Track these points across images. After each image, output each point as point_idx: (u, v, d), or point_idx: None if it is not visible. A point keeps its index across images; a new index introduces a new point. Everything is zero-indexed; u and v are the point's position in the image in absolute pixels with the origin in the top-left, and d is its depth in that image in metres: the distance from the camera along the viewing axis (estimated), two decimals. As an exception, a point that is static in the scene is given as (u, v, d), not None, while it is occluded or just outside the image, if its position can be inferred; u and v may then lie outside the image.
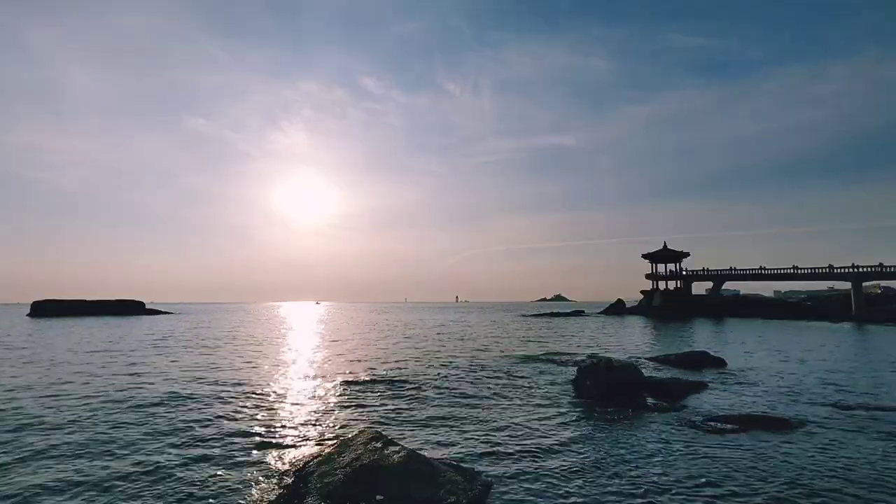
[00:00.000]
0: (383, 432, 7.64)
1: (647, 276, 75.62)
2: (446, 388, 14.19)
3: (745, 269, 70.58)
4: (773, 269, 68.53)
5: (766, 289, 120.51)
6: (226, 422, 10.29)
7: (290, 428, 9.83)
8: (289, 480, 6.24)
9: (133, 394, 13.26)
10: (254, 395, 13.08)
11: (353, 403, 12.13)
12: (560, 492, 6.59)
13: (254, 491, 6.53)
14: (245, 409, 11.41)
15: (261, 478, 7.00)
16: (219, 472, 7.24)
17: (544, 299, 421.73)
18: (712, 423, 10.01)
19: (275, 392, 13.59)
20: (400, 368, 18.22)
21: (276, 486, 6.43)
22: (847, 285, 63.17)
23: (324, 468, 6.21)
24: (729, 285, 77.45)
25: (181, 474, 7.20)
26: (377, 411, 11.32)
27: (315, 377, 16.40)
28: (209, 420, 10.43)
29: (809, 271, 65.35)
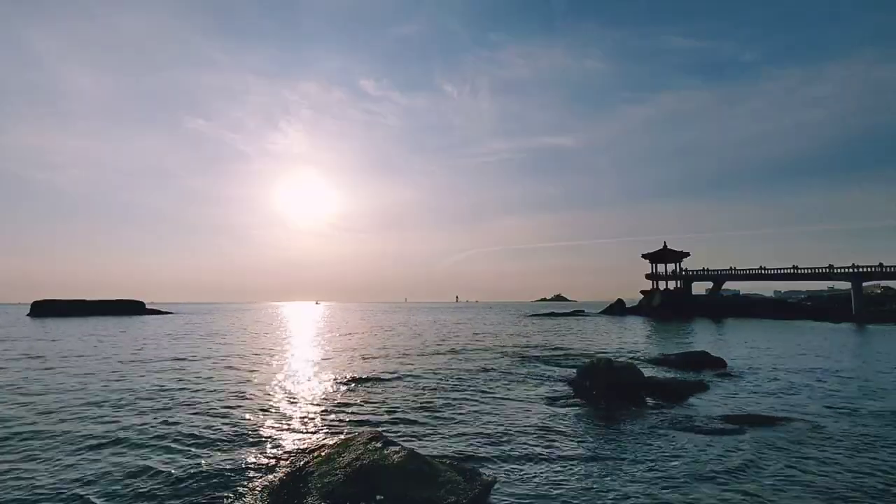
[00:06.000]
0: (383, 432, 7.64)
1: (647, 276, 75.59)
2: (445, 387, 14.19)
3: (745, 269, 70.56)
4: (773, 269, 68.50)
5: (766, 289, 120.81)
6: (225, 422, 10.30)
7: (290, 428, 9.84)
8: (289, 480, 6.24)
9: (131, 393, 13.27)
10: (253, 396, 13.09)
11: (352, 403, 12.14)
12: (559, 492, 6.60)
13: (254, 491, 6.53)
14: (244, 410, 11.41)
15: (261, 478, 7.01)
16: (218, 473, 7.25)
17: (544, 299, 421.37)
18: (712, 424, 10.01)
19: (274, 392, 13.59)
20: (399, 368, 18.22)
21: (277, 486, 6.42)
22: (847, 285, 63.16)
23: (324, 468, 6.21)
24: (729, 285, 77.39)
25: (178, 475, 7.21)
26: (377, 411, 11.32)
27: (315, 378, 16.41)
28: (208, 420, 10.43)
29: (809, 271, 65.32)
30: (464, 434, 9.41)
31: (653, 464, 7.68)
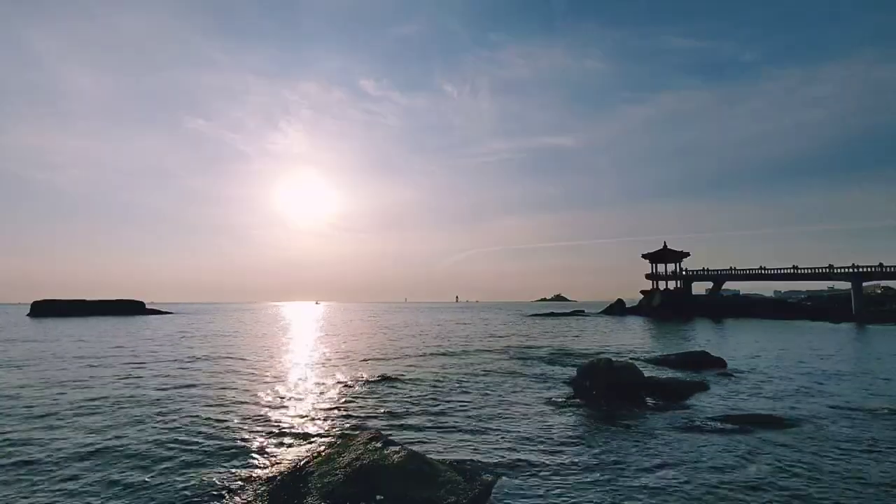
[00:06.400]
0: (383, 432, 7.64)
1: (647, 276, 75.58)
2: (446, 388, 14.19)
3: (745, 269, 70.56)
4: (773, 269, 68.50)
5: (766, 289, 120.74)
6: (224, 423, 10.29)
7: (290, 428, 9.83)
8: (289, 480, 6.24)
9: (129, 393, 13.27)
10: (253, 397, 13.09)
11: (353, 403, 12.14)
12: (559, 492, 6.60)
13: (254, 491, 6.53)
14: (244, 411, 11.41)
15: (261, 478, 7.01)
16: (218, 473, 7.25)
17: (544, 299, 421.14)
18: (712, 423, 10.01)
19: (274, 393, 13.59)
20: (399, 369, 18.22)
21: (277, 486, 6.42)
22: (847, 285, 63.17)
23: (324, 468, 6.21)
24: (729, 285, 77.38)
25: (179, 475, 7.21)
26: (377, 411, 11.32)
27: (315, 379, 16.41)
28: (207, 422, 10.43)
29: (809, 271, 65.33)
30: (464, 434, 9.41)
31: (653, 464, 7.67)
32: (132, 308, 78.38)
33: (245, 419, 10.52)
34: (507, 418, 10.62)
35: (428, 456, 6.80)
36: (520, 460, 7.85)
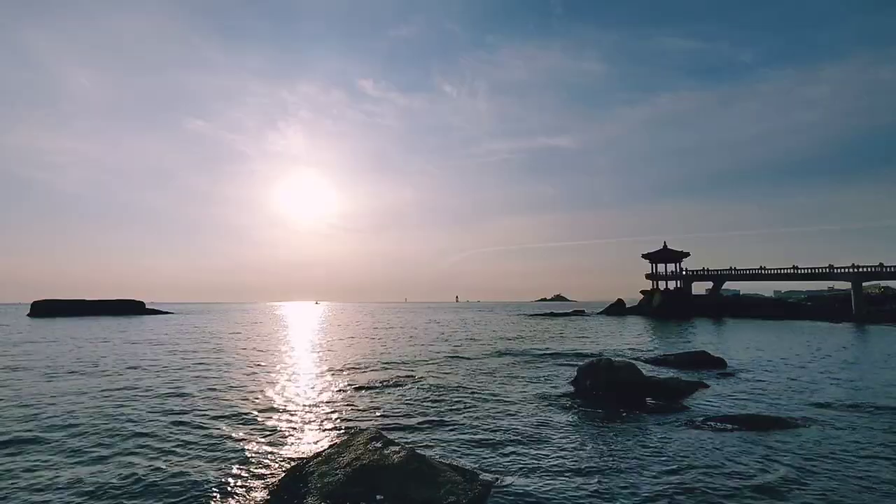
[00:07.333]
0: (383, 432, 7.64)
1: (647, 276, 75.57)
2: (446, 388, 14.19)
3: (745, 269, 70.59)
4: (773, 269, 68.54)
5: (766, 289, 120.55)
6: (225, 424, 10.30)
7: (290, 429, 9.84)
8: (289, 480, 6.25)
9: (130, 394, 13.27)
10: (252, 398, 13.10)
11: (353, 403, 12.14)
12: (560, 492, 6.60)
13: (254, 491, 6.53)
14: (244, 412, 11.42)
15: (261, 478, 7.01)
16: (219, 473, 7.25)
17: (544, 299, 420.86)
18: (712, 424, 10.01)
19: (273, 395, 13.60)
20: (399, 369, 18.23)
21: (277, 487, 6.43)
22: (847, 285, 63.18)
23: (324, 468, 6.21)
24: (729, 285, 77.40)
25: (179, 475, 7.21)
26: (378, 411, 11.33)
27: (314, 380, 16.42)
28: (207, 423, 10.44)
29: (809, 271, 65.35)
30: (464, 434, 9.41)
31: (653, 465, 7.67)
32: (132, 308, 78.42)
33: (245, 420, 10.53)
34: (507, 418, 10.61)
35: (428, 456, 6.80)
36: (520, 460, 7.85)
